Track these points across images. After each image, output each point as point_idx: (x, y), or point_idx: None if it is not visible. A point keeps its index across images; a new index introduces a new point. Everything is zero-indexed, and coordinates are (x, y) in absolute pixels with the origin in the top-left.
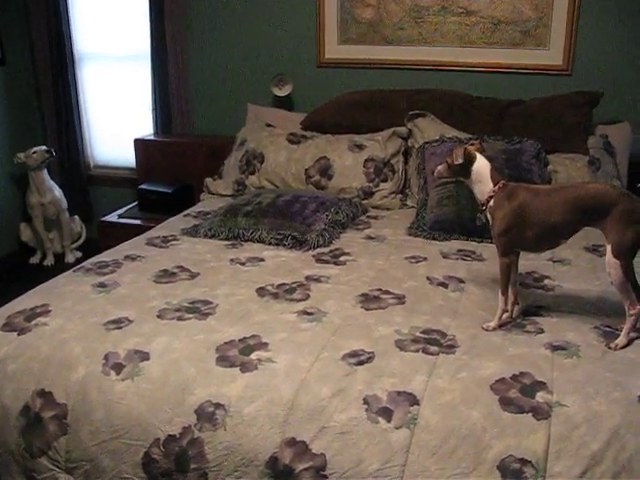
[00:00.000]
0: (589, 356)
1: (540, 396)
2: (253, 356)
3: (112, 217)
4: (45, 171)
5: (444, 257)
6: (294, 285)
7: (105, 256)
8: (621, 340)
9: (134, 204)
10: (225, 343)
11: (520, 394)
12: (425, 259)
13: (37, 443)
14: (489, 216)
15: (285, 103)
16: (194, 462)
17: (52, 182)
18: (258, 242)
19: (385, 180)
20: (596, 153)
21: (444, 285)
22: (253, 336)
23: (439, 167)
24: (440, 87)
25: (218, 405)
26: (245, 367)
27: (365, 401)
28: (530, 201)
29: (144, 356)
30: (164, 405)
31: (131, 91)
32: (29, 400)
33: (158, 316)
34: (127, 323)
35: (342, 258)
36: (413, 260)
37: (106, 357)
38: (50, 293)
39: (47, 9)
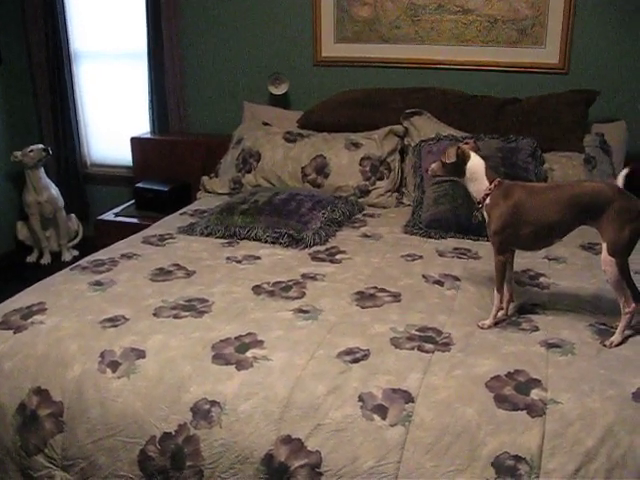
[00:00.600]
0: (584, 353)
1: (535, 393)
2: (249, 354)
3: (109, 215)
4: (42, 169)
5: (440, 255)
6: (290, 283)
7: (101, 254)
8: (616, 338)
9: (131, 202)
10: (221, 341)
11: (515, 391)
12: (421, 257)
13: (33, 441)
14: (485, 214)
15: (281, 102)
16: (190, 459)
17: (49, 180)
18: (254, 240)
19: (381, 178)
20: (592, 152)
21: (440, 283)
22: (249, 334)
23: (433, 165)
24: (436, 85)
25: (214, 403)
26: (241, 365)
27: (360, 398)
28: (526, 199)
29: (140, 354)
30: (160, 403)
31: (128, 89)
32: (25, 398)
33: (154, 314)
34: (123, 321)
35: (338, 256)
36: (409, 258)
37: (102, 355)
38: (46, 291)
39: (43, 7)
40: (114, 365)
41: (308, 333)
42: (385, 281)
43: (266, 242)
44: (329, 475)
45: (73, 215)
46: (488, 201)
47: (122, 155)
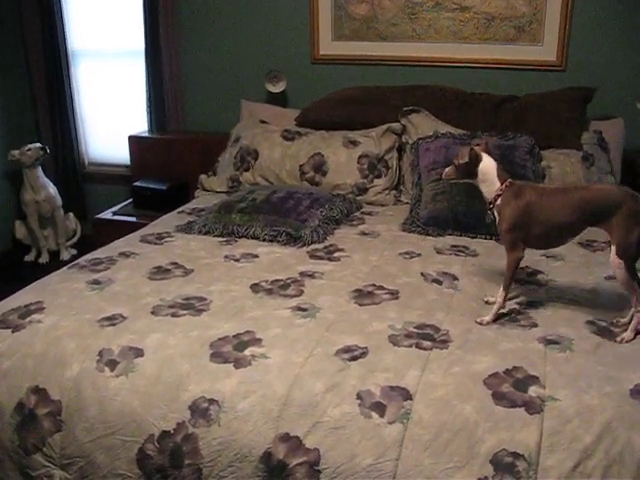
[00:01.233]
0: (582, 350)
1: (533, 390)
2: (247, 352)
3: (107, 214)
4: (39, 168)
5: (438, 253)
6: (288, 281)
7: (99, 253)
8: (628, 335)
9: (129, 201)
10: (219, 339)
11: (513, 388)
12: (419, 255)
13: (32, 440)
14: (496, 214)
15: (279, 99)
16: (188, 458)
17: (46, 179)
18: (252, 238)
19: (379, 176)
20: (590, 149)
21: (438, 280)
22: (247, 332)
23: (446, 169)
24: (434, 83)
25: (212, 401)
26: (239, 363)
27: (358, 396)
28: (536, 200)
29: (138, 352)
30: (158, 401)
31: (125, 88)
32: (23, 397)
33: (152, 313)
34: (121, 320)
35: (336, 254)
36: (407, 256)
37: (100, 354)
38: (44, 290)
39: (40, 6)
40: (112, 364)
41: (306, 331)
42: (383, 279)
43: (264, 240)
44: (327, 473)
45: (71, 214)
46: (499, 201)
47: (120, 154)
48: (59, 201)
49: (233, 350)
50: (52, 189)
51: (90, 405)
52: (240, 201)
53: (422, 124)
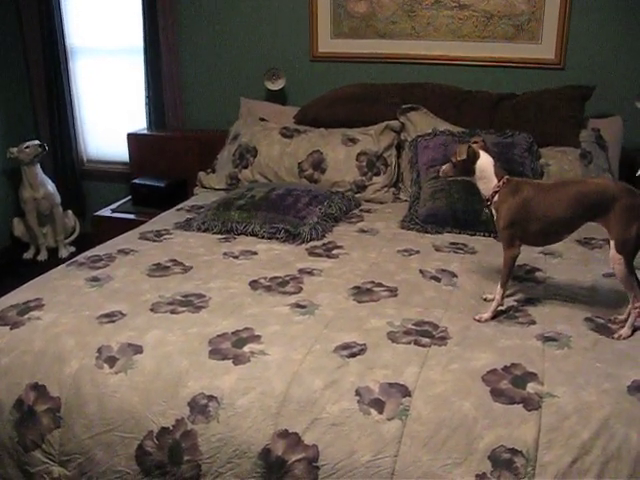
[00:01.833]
0: (580, 347)
1: (531, 387)
2: (246, 349)
3: (105, 211)
4: (38, 166)
5: (436, 250)
6: (287, 278)
7: (98, 250)
8: (625, 331)
9: (127, 198)
10: (218, 336)
11: (511, 385)
12: (418, 252)
13: (31, 436)
14: (494, 211)
15: (278, 97)
16: (187, 454)
17: (45, 177)
18: (251, 235)
19: (378, 174)
20: (588, 147)
21: (436, 278)
22: (246, 329)
23: (444, 167)
24: (433, 81)
25: (211, 397)
26: (238, 360)
27: (357, 393)
28: (534, 196)
29: (137, 349)
30: (157, 398)
31: (124, 85)
32: (22, 394)
33: (151, 309)
34: (120, 317)
35: (335, 251)
36: (406, 253)
37: (99, 350)
38: (43, 287)
39: (39, 3)
40: (111, 360)
41: (305, 328)
42: (382, 276)
43: (263, 237)
44: (326, 469)
45: (70, 211)
46: (496, 198)
47: (118, 151)
48: (58, 198)
49: (232, 347)
50: (51, 186)
51: (89, 402)
52: (239, 198)
53: (421, 122)
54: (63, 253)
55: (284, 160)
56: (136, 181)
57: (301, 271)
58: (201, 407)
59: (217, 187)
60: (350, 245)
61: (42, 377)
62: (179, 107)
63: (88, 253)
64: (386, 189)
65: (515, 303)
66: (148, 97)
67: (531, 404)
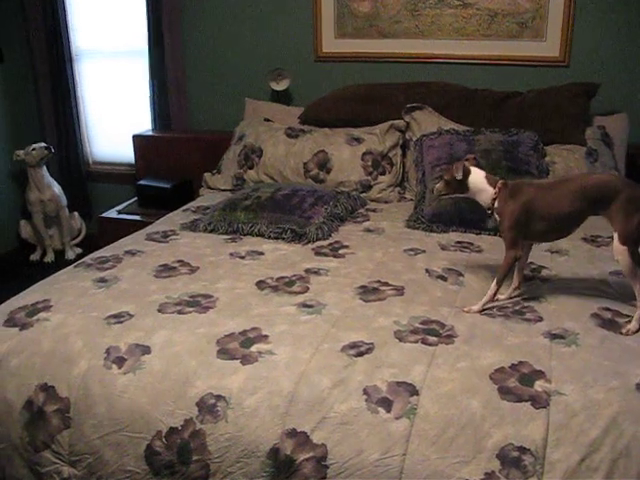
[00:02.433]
0: (587, 344)
1: (539, 385)
2: (253, 348)
3: (111, 213)
4: (44, 168)
5: (442, 249)
6: (293, 278)
7: (105, 251)
8: (633, 325)
9: (133, 200)
10: (225, 336)
11: (519, 383)
12: (424, 251)
13: (40, 437)
14: (497, 216)
15: (283, 97)
16: (196, 454)
17: (51, 179)
18: (257, 236)
19: (383, 173)
20: (594, 144)
21: (442, 277)
22: (253, 329)
23: (437, 185)
24: (437, 80)
25: (219, 397)
26: (246, 359)
27: (365, 392)
28: (535, 196)
29: (145, 350)
30: (166, 398)
31: (129, 87)
32: (32, 394)
33: (159, 310)
34: (128, 317)
35: (341, 251)
36: (412, 252)
37: (108, 351)
38: (51, 288)
39: (44, 6)
40: (120, 361)
41: (312, 327)
42: (388, 275)
43: (269, 238)
44: (335, 468)
45: (76, 213)
46: (497, 204)
47: (124, 153)
48: (64, 200)
49: (240, 347)
50: (57, 188)
51: (98, 402)
52: (245, 199)
53: (426, 121)
54: (69, 255)
55: (289, 160)
56: (142, 182)
57: (307, 271)
58: (209, 407)
59: (223, 188)
60: (356, 245)
61: (51, 378)
62: (184, 108)
63: (95, 254)
64: (391, 188)
65: (522, 301)
66: (153, 98)
67: (539, 402)
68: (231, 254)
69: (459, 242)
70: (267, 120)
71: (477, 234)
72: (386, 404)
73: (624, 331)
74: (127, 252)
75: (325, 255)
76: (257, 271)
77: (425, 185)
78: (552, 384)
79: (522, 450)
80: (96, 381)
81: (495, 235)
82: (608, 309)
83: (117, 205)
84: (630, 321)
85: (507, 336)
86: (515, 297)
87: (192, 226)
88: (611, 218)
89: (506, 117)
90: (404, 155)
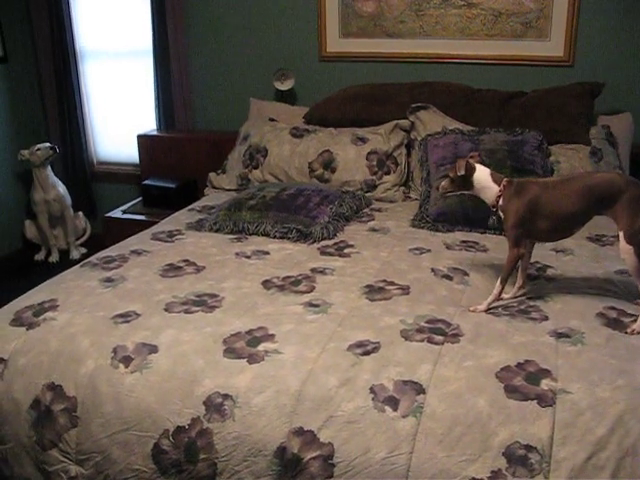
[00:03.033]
0: (593, 343)
1: (545, 383)
2: (260, 347)
3: (116, 213)
4: (49, 168)
5: (448, 248)
6: (299, 277)
7: (111, 251)
8: (638, 325)
9: (138, 200)
10: (232, 335)
11: (525, 382)
12: (429, 250)
13: (48, 436)
14: (501, 214)
15: (287, 97)
16: (203, 452)
17: (56, 179)
18: (263, 235)
19: (388, 173)
20: (598, 144)
21: (448, 276)
22: (260, 328)
23: (442, 183)
24: (442, 80)
25: (226, 396)
26: (252, 358)
27: (372, 390)
28: (540, 194)
29: (152, 349)
30: (173, 397)
31: (134, 87)
32: (39, 393)
33: (165, 309)
34: (135, 317)
35: (346, 250)
36: (417, 252)
37: (115, 350)
38: (58, 288)
39: (49, 6)
40: (127, 360)
41: (319, 326)
42: (394, 274)
43: (275, 237)
44: (342, 466)
45: (81, 213)
46: (501, 202)
47: (129, 152)
48: (69, 200)
49: (246, 346)
50: (62, 188)
51: (105, 401)
52: (250, 198)
53: (430, 120)
54: (74, 255)
55: (294, 160)
56: (147, 182)
57: (313, 270)
58: (216, 406)
59: (228, 188)
60: (361, 244)
61: (58, 377)
62: (189, 108)
63: (101, 254)
64: (396, 188)
65: (527, 300)
66: (158, 98)
67: (545, 400)
68: (237, 254)
69: (464, 241)
70: (272, 120)
71: (482, 233)
72: (393, 403)
73: (629, 331)
74: (133, 252)
75: (331, 255)
76: (263, 270)
77: (430, 185)
78: (558, 383)
79: (528, 448)
80: (103, 380)
81: (500, 234)
82: (613, 308)
83: (122, 205)
84: (635, 320)
85: (513, 335)
86: (520, 296)
87: (197, 226)
88: (616, 217)
89: (510, 117)
90: (409, 155)
